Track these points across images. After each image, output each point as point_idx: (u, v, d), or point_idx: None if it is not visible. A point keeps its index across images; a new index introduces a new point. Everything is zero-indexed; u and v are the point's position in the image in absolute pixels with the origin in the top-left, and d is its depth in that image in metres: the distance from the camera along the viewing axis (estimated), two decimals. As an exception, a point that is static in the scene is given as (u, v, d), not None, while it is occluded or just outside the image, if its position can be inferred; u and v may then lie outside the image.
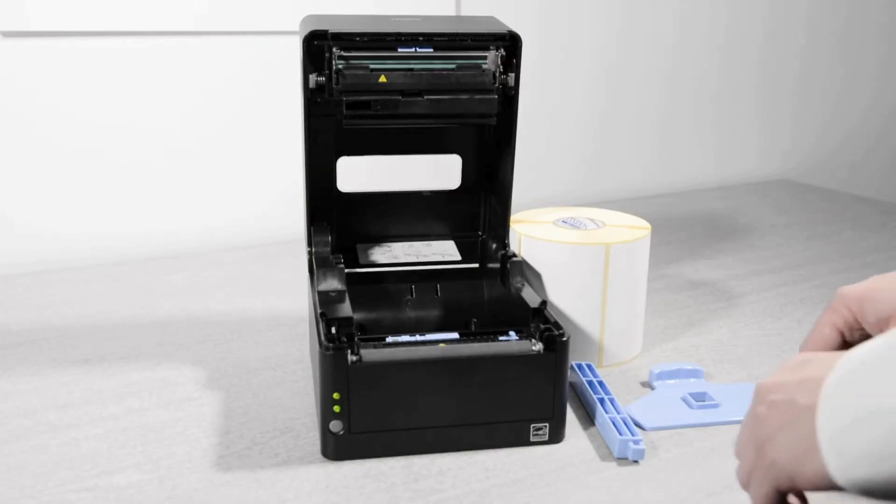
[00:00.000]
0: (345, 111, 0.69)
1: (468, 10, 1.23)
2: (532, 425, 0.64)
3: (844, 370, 0.42)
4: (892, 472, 0.39)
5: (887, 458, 0.39)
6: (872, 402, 0.40)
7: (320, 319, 0.64)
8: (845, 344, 0.57)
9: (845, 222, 1.29)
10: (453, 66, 0.69)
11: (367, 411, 0.61)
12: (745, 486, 0.48)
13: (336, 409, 0.61)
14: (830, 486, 0.43)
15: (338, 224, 0.79)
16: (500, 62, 0.70)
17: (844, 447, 0.41)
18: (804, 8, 1.57)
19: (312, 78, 0.69)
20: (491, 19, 0.74)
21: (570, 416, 0.66)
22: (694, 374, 0.75)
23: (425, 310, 0.79)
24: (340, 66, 0.68)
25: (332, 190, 0.78)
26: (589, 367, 0.73)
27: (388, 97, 0.69)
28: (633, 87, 1.43)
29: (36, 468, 0.61)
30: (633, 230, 0.79)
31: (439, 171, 0.87)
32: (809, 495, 0.47)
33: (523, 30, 0.72)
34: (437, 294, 0.79)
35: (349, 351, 0.60)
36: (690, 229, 1.24)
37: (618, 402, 0.68)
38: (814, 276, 1.04)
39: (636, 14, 1.40)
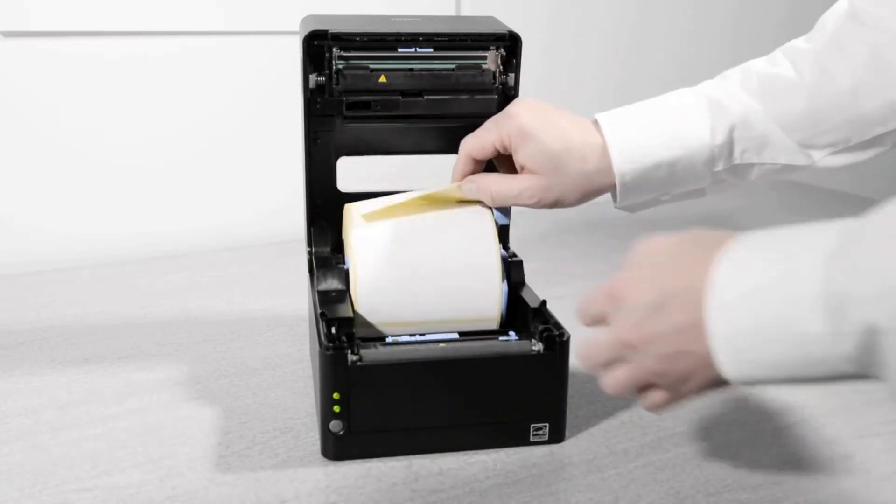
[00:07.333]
0: (345, 111, 0.69)
1: (468, 10, 1.23)
2: (532, 425, 0.64)
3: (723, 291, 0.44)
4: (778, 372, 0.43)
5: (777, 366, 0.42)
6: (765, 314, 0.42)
7: (320, 319, 0.64)
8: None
9: (845, 222, 1.28)
10: (453, 66, 0.69)
11: (367, 411, 0.61)
12: (603, 359, 0.50)
13: (336, 409, 0.61)
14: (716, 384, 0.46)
15: (338, 224, 0.79)
16: (500, 62, 0.70)
17: (739, 353, 0.43)
18: (817, 11, 1.57)
19: (312, 78, 0.69)
20: (491, 19, 0.74)
21: (570, 416, 0.66)
22: None
23: (425, 310, 0.79)
24: (340, 67, 0.68)
25: (333, 190, 0.78)
26: None
27: (388, 97, 0.69)
28: (638, 87, 1.43)
29: (36, 468, 0.61)
30: None
31: (439, 171, 0.87)
32: None
33: (524, 30, 0.72)
34: (437, 294, 0.79)
35: (349, 351, 0.60)
36: (692, 230, 1.24)
37: None
38: (814, 276, 1.04)
39: (643, 14, 1.40)
